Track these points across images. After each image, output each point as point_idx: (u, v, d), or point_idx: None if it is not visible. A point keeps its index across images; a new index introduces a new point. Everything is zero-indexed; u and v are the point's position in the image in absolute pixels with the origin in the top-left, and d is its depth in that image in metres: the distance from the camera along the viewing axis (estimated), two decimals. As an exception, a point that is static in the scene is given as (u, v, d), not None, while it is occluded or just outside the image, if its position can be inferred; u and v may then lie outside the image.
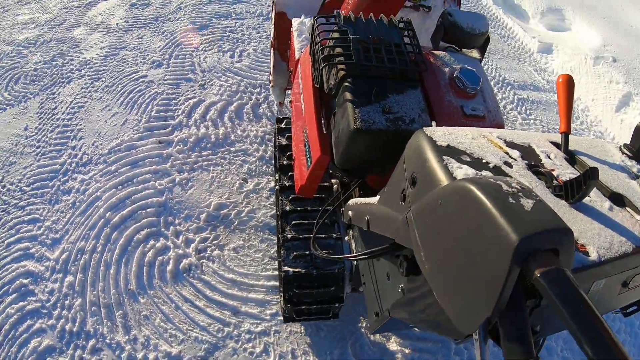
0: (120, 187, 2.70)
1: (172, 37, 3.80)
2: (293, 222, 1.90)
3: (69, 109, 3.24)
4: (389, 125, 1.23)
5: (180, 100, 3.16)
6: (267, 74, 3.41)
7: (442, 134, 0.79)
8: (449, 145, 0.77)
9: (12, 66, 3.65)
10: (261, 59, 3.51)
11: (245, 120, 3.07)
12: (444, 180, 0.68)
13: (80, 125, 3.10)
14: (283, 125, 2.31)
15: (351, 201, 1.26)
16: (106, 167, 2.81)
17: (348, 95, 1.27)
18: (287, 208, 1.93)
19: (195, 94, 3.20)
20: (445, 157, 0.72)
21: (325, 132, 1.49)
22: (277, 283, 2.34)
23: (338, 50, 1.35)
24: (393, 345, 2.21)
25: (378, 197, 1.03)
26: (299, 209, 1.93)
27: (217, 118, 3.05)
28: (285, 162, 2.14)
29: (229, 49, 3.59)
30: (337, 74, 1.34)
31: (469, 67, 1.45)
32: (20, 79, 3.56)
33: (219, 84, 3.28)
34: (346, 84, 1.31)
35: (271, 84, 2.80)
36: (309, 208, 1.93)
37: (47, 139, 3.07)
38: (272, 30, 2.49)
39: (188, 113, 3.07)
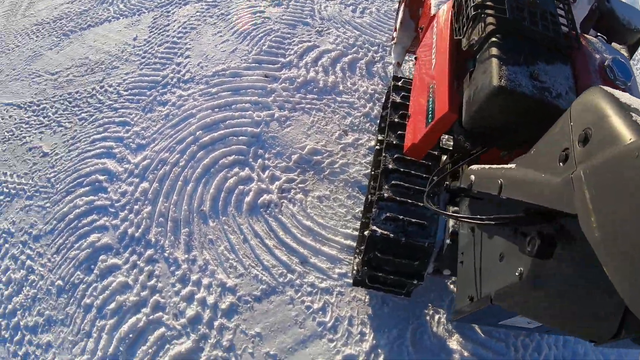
0: (217, 109, 2.49)
1: None
2: (393, 182, 1.69)
3: (180, 28, 3.13)
4: (535, 93, 1.15)
5: (294, 41, 2.93)
6: (388, 35, 3.09)
7: (620, 94, 0.72)
8: (631, 105, 0.69)
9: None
10: (383, 20, 3.22)
11: (357, 74, 2.76)
12: (636, 136, 0.60)
13: (189, 45, 2.97)
14: (400, 84, 1.98)
15: (475, 166, 1.16)
16: (207, 88, 2.62)
17: (495, 51, 1.20)
18: (390, 166, 1.72)
19: (310, 38, 2.96)
20: (633, 114, 0.66)
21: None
22: (354, 243, 2.00)
23: (489, 3, 1.27)
24: (454, 343, 1.81)
25: (516, 162, 0.94)
26: (402, 169, 1.72)
27: (329, 66, 2.77)
28: (396, 120, 1.81)
29: (352, 3, 3.33)
30: (484, 29, 1.27)
31: (621, 59, 1.33)
32: (139, -5, 3.50)
33: (337, 34, 3.02)
34: (494, 39, 1.24)
35: (394, 41, 2.48)
36: (412, 172, 1.72)
37: (153, 52, 2.97)
38: None
39: (300, 55, 2.82)
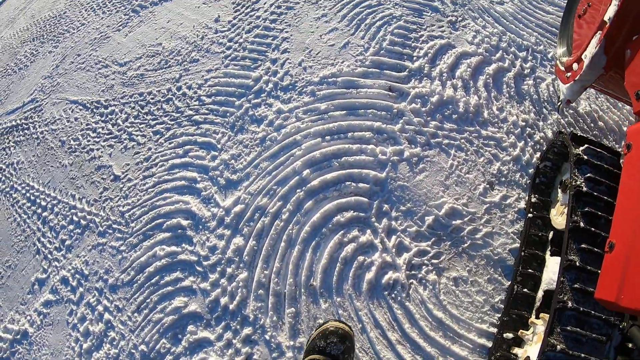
0: (328, 137, 1.89)
1: None
2: (567, 328, 1.13)
3: (274, 7, 2.46)
4: None
5: (422, 35, 2.18)
6: (537, 36, 2.25)
7: None
8: None
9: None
10: (528, 10, 2.37)
11: (505, 94, 2.02)
12: None
13: (287, 32, 2.30)
14: (585, 155, 1.27)
15: None
16: (314, 101, 2.01)
17: None
18: (568, 304, 1.14)
19: (443, 32, 2.20)
20: None
21: None
22: (488, 343, 1.45)
23: None
24: None
25: None
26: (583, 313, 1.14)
27: (470, 79, 2.04)
28: (581, 224, 1.20)
29: None
30: None
31: None
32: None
33: (475, 28, 2.22)
34: None
35: (569, 76, 1.69)
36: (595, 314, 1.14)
37: (241, 41, 2.34)
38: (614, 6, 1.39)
39: (432, 58, 2.09)
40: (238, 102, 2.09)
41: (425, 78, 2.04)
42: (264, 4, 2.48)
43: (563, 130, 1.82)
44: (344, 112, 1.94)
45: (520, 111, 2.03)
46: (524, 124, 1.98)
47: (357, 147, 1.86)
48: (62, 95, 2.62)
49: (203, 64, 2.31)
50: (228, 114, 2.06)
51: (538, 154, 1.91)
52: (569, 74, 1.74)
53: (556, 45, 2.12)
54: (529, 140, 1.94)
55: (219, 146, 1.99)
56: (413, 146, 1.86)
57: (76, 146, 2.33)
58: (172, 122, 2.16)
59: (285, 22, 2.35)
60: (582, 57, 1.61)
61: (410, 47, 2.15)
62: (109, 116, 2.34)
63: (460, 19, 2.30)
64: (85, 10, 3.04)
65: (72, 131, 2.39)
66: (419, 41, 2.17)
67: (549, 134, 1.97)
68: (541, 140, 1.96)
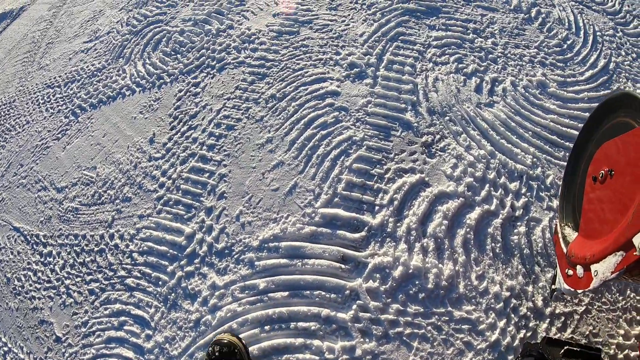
0: (267, 327, 1.59)
1: (381, 15, 2.21)
2: None
3: (213, 125, 2.15)
4: None
5: (389, 170, 1.78)
6: (534, 156, 1.77)
7: None
8: None
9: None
10: (525, 111, 1.88)
11: (488, 253, 1.63)
12: None
13: (225, 166, 1.98)
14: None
15: None
16: (252, 275, 1.70)
17: None
18: None
19: (415, 162, 1.78)
20: None
21: None
22: None
23: None
24: None
25: None
26: None
27: (446, 237, 1.64)
28: None
29: (474, 71, 1.95)
30: None
31: None
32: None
33: (457, 152, 1.78)
34: None
35: (568, 277, 1.30)
36: None
37: (174, 176, 2.04)
38: None
39: (399, 207, 1.71)
40: (170, 267, 1.78)
41: (388, 240, 1.64)
42: (203, 119, 2.09)
43: (533, 342, 1.42)
44: (287, 293, 1.60)
45: (506, 275, 1.62)
46: (508, 294, 1.58)
47: (301, 341, 1.54)
48: (7, 217, 2.40)
49: (135, 206, 1.99)
50: (160, 283, 1.77)
51: (522, 333, 1.51)
52: (570, 272, 1.31)
53: (557, 202, 1.64)
54: (512, 315, 1.56)
55: (152, 324, 1.73)
56: (367, 340, 1.52)
57: (20, 288, 2.14)
58: (106, 283, 1.90)
59: (224, 150, 1.96)
60: (592, 270, 1.18)
61: (373, 191, 1.73)
62: (48, 258, 2.11)
63: (438, 137, 1.83)
64: (32, 102, 2.75)
65: (16, 268, 2.19)
66: (383, 180, 1.75)
67: (539, 302, 1.56)
68: (528, 313, 1.56)
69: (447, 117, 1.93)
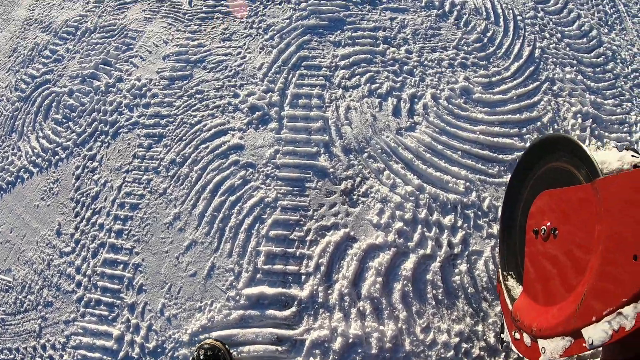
0: None
1: (280, 43, 1.94)
2: None
3: (117, 207, 1.89)
4: None
5: (310, 231, 1.58)
6: (466, 179, 1.58)
7: None
8: None
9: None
10: (450, 127, 1.67)
11: (431, 302, 1.47)
12: None
13: (137, 254, 1.75)
14: None
15: None
16: None
17: None
18: None
19: (337, 216, 1.57)
20: None
21: None
22: None
23: None
24: None
25: None
26: None
27: (382, 294, 1.45)
28: None
29: (390, 89, 1.73)
30: None
31: None
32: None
33: (381, 194, 1.61)
34: None
35: (515, 340, 1.14)
36: None
37: (89, 273, 1.84)
38: None
39: (327, 272, 1.52)
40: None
41: (321, 311, 1.45)
42: (105, 200, 1.81)
43: None
44: (219, 399, 1.40)
45: (452, 321, 1.46)
46: (457, 339, 1.43)
47: None
48: None
49: (58, 310, 1.74)
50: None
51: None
52: (517, 335, 1.15)
53: (498, 253, 1.46)
54: (466, 361, 1.40)
55: None
56: None
57: None
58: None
59: (134, 236, 1.71)
60: (539, 344, 1.02)
61: (296, 259, 1.52)
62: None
63: (358, 180, 1.62)
64: None
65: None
66: (305, 244, 1.54)
67: (491, 339, 1.41)
68: (482, 353, 1.43)
69: (366, 154, 1.72)
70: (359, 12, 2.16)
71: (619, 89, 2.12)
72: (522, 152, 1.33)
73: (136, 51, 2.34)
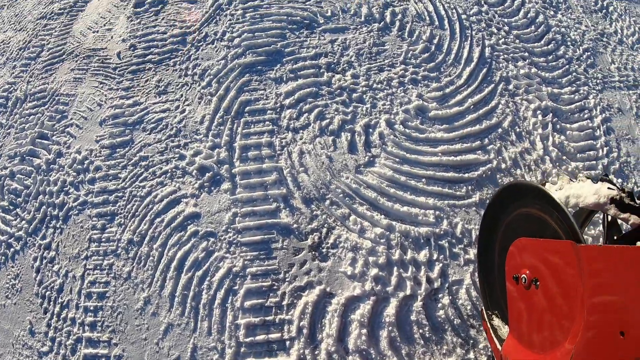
0: None
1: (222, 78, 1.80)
2: None
3: (84, 297, 1.69)
4: None
5: (285, 295, 1.50)
6: (434, 208, 1.50)
7: None
8: None
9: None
10: (411, 155, 1.56)
11: (418, 342, 1.43)
12: None
13: (117, 346, 1.62)
14: None
15: None
16: None
17: None
18: None
19: (310, 274, 1.51)
20: None
21: None
22: None
23: None
24: None
25: None
26: None
27: (369, 344, 1.39)
28: None
29: (343, 123, 1.64)
30: None
31: None
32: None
33: (350, 242, 1.54)
34: None
35: None
36: None
37: None
38: None
39: (310, 333, 1.46)
40: None
41: None
42: (71, 292, 1.69)
43: None
44: None
45: (443, 355, 1.43)
46: None
47: None
48: None
49: None
50: None
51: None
52: None
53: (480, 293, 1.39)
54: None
55: None
56: None
57: None
58: None
59: (108, 326, 1.61)
60: None
61: (277, 326, 1.44)
62: None
63: (325, 232, 1.54)
64: None
65: None
66: (283, 309, 1.46)
67: None
68: None
69: (328, 201, 1.62)
70: (297, 40, 2.02)
71: (574, 73, 2.04)
72: (488, 202, 1.27)
73: (71, 119, 2.16)
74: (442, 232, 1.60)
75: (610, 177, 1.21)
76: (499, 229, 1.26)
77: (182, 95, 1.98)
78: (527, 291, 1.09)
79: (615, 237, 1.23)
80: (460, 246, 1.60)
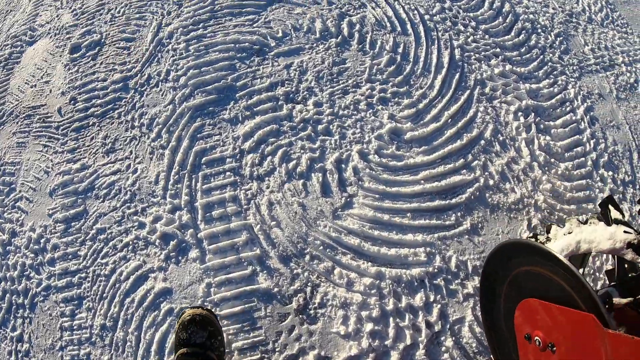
0: None
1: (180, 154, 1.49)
2: None
3: None
4: None
5: None
6: (418, 255, 1.25)
7: None
8: None
9: None
10: (390, 192, 1.28)
11: None
12: None
13: None
14: None
15: None
16: None
17: None
18: None
19: (301, 339, 1.26)
20: None
21: None
22: None
23: None
24: None
25: None
26: None
27: None
28: None
29: (309, 161, 1.31)
30: None
31: None
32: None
33: (337, 298, 1.31)
34: None
35: None
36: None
37: None
38: None
39: None
40: None
41: None
42: None
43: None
44: None
45: None
46: None
47: None
48: None
49: None
50: None
51: None
52: None
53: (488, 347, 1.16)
54: None
55: None
56: None
57: None
58: None
59: None
60: None
61: None
62: None
63: (309, 291, 1.31)
64: None
65: None
66: None
67: None
68: None
69: (307, 256, 1.36)
70: (249, 70, 1.69)
71: (549, 63, 1.77)
72: (482, 266, 1.04)
73: (20, 191, 1.83)
74: (435, 269, 1.37)
75: (624, 218, 0.98)
76: (499, 294, 1.04)
77: (131, 152, 1.64)
78: (541, 352, 0.88)
79: (630, 275, 1.03)
80: (457, 281, 1.38)
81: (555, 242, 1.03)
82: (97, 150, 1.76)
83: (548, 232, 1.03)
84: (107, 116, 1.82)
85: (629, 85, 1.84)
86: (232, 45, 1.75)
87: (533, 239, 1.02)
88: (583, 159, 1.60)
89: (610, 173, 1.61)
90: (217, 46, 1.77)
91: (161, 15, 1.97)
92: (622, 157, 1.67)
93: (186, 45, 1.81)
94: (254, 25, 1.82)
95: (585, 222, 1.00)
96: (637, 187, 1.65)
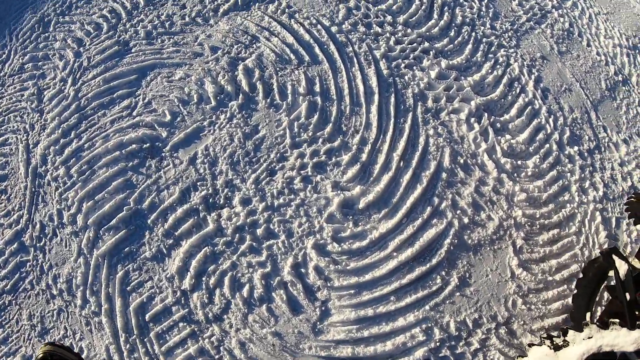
0: None
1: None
2: None
3: None
4: None
5: None
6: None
7: None
8: None
9: None
10: (365, 282, 0.91)
11: None
12: None
13: None
14: None
15: None
16: None
17: None
18: None
19: None
20: None
21: None
22: None
23: None
24: None
25: None
26: None
27: None
28: None
29: (263, 278, 0.93)
30: None
31: None
32: None
33: None
34: None
35: None
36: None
37: None
38: None
39: None
40: None
41: None
42: None
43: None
44: None
45: None
46: None
47: None
48: None
49: None
50: None
51: None
52: None
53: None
54: None
55: None
56: None
57: None
58: None
59: None
60: None
61: None
62: None
63: None
64: None
65: None
66: None
67: None
68: None
69: None
70: (149, 181, 1.09)
71: (484, 39, 1.25)
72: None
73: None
74: (438, 342, 1.01)
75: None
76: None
77: (66, 329, 1.16)
78: None
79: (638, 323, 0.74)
80: (461, 344, 1.05)
81: (574, 347, 0.77)
82: (29, 334, 1.26)
83: (564, 335, 0.79)
84: (20, 289, 1.28)
85: (565, 33, 1.35)
86: (118, 153, 1.13)
87: (548, 340, 0.77)
88: (547, 145, 1.17)
89: (576, 148, 1.20)
90: (101, 159, 1.15)
91: (24, 132, 1.27)
92: (582, 123, 1.26)
93: (66, 169, 1.17)
94: (134, 113, 1.18)
95: (606, 327, 0.71)
96: (603, 150, 1.27)
